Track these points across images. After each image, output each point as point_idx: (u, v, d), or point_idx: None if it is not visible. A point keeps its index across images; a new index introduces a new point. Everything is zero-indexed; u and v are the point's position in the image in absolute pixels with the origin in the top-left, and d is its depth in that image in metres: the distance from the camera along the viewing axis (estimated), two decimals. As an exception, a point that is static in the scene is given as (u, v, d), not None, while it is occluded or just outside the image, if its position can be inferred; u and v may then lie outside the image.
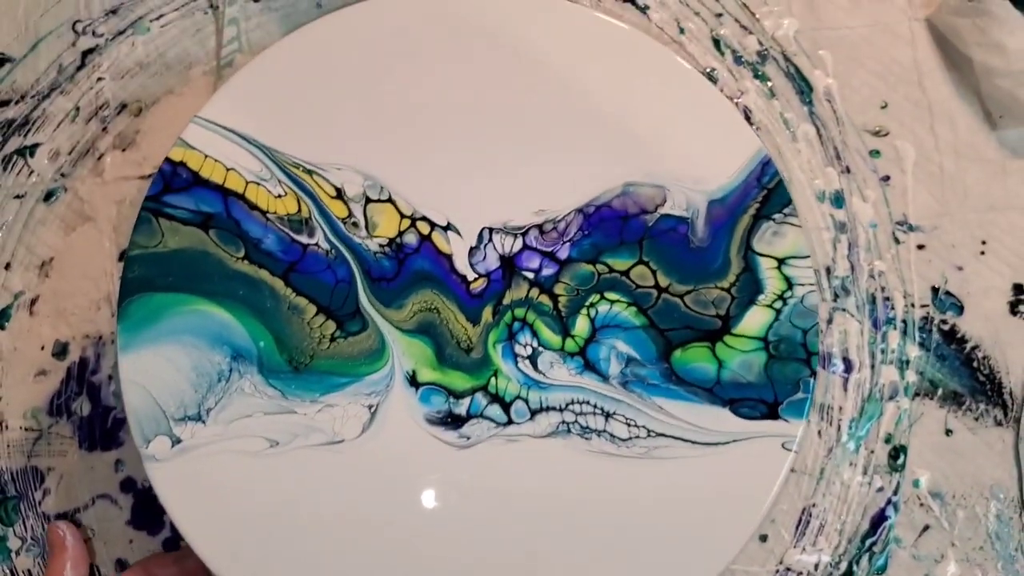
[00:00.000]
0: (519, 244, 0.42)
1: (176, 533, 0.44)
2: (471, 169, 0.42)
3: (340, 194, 0.42)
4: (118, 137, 0.47)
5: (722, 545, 0.39)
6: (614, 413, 0.41)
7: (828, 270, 0.45)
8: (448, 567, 0.39)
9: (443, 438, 0.40)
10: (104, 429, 0.45)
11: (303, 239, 0.41)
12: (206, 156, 0.41)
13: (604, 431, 0.40)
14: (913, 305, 0.45)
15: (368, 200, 0.42)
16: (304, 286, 0.41)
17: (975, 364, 0.44)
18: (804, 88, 0.47)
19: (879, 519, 0.43)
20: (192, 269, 0.40)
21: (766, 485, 0.40)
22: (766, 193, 0.43)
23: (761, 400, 0.41)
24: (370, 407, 0.40)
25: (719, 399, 0.41)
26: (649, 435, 0.40)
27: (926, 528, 0.43)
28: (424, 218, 0.42)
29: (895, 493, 0.43)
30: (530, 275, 0.42)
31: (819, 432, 0.43)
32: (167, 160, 0.41)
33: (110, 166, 0.47)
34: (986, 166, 0.45)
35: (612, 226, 0.42)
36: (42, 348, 0.45)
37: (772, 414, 0.40)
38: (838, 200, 0.45)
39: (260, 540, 0.39)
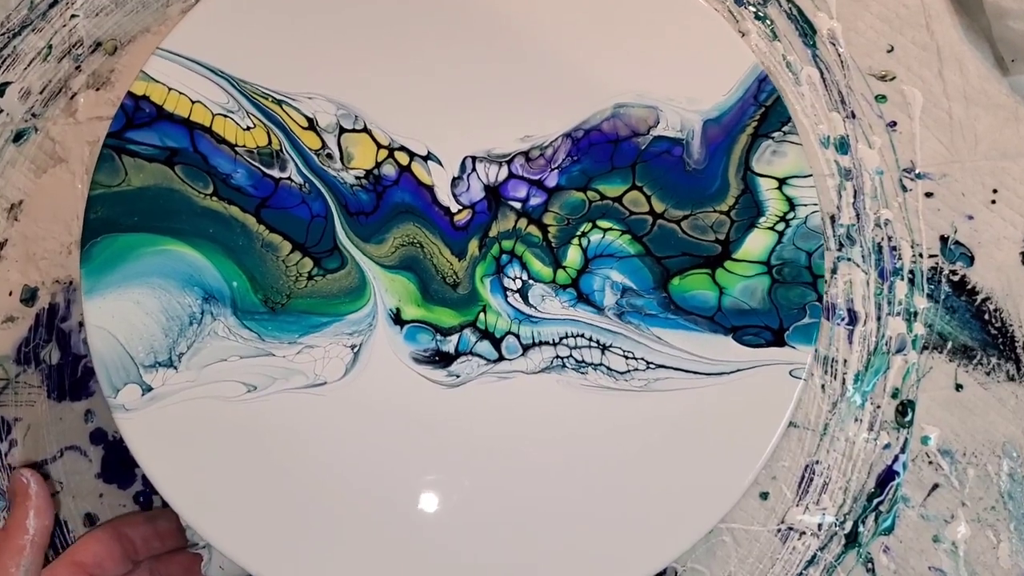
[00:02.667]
0: (504, 173, 0.40)
1: (148, 487, 0.42)
2: (451, 94, 0.40)
3: (312, 124, 0.39)
4: (92, 76, 0.45)
5: (729, 481, 0.37)
6: (610, 345, 0.38)
7: (833, 218, 0.43)
8: (439, 512, 0.37)
9: (431, 377, 0.38)
10: (74, 378, 0.43)
11: (275, 173, 0.39)
12: (170, 89, 0.39)
13: (601, 364, 0.38)
14: (921, 255, 0.43)
15: (342, 130, 0.39)
16: (278, 222, 0.39)
17: (986, 316, 0.42)
18: (807, 30, 0.45)
19: (886, 477, 0.41)
20: (158, 207, 0.38)
21: (775, 416, 0.38)
22: (764, 111, 0.40)
23: (766, 327, 0.38)
24: (353, 347, 0.38)
25: (721, 327, 0.38)
26: (648, 367, 0.38)
27: (935, 487, 0.41)
28: (403, 148, 0.40)
29: (903, 450, 0.41)
30: (517, 205, 0.40)
31: (823, 386, 0.41)
32: (129, 94, 0.39)
33: (83, 106, 0.45)
34: (997, 112, 0.44)
35: (602, 150, 0.40)
36: (10, 294, 0.43)
37: (778, 341, 0.38)
38: (843, 146, 0.43)
39: (239, 491, 0.36)
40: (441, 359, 0.38)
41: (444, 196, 0.39)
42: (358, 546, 0.36)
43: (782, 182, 0.40)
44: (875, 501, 0.41)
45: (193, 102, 0.39)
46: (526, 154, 0.40)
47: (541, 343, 0.38)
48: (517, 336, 0.38)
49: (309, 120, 0.39)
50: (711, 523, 0.37)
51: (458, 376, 0.38)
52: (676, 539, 0.36)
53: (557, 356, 0.38)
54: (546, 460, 0.37)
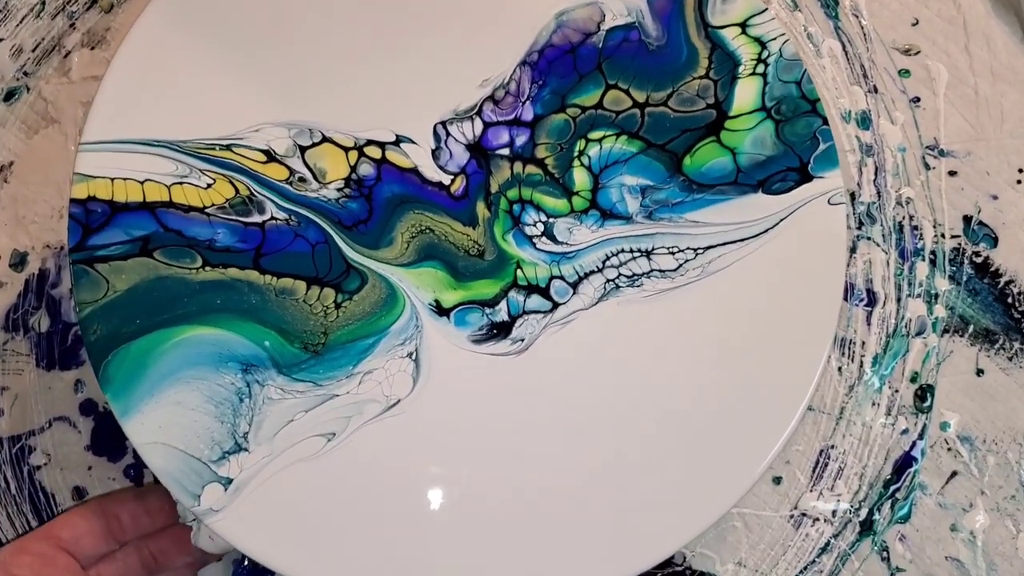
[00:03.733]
0: (479, 125, 0.38)
1: (139, 460, 0.40)
2: (395, 71, 0.38)
3: (271, 156, 0.37)
4: (87, 34, 0.43)
5: (819, 317, 0.36)
6: (653, 249, 0.37)
7: (853, 196, 0.41)
8: (547, 475, 0.35)
9: (497, 352, 0.36)
10: (64, 346, 0.41)
11: (255, 219, 0.36)
12: (112, 179, 0.36)
13: (652, 271, 0.37)
14: (943, 235, 0.41)
15: (303, 149, 0.37)
16: (281, 266, 0.36)
17: (1010, 300, 0.41)
18: (830, 1, 0.43)
19: (903, 464, 0.40)
20: (155, 301, 0.35)
21: (834, 246, 0.37)
22: (699, -36, 0.39)
23: (789, 168, 0.38)
24: (411, 355, 0.36)
25: (748, 186, 0.37)
26: (697, 253, 0.37)
27: (954, 474, 0.40)
28: (370, 142, 0.37)
29: (921, 436, 0.40)
30: (505, 151, 0.38)
31: (839, 369, 0.40)
32: (73, 201, 0.36)
33: (78, 65, 0.43)
34: None
35: (563, 64, 0.38)
36: None
37: (805, 177, 0.37)
38: (864, 121, 0.42)
39: (352, 539, 0.35)
40: (499, 331, 0.36)
41: (431, 172, 0.37)
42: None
43: (743, 26, 0.39)
44: (891, 488, 0.40)
45: (142, 183, 0.36)
46: (491, 97, 0.38)
47: (587, 274, 0.37)
48: (561, 277, 0.37)
49: (266, 153, 0.37)
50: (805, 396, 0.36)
51: (523, 340, 0.36)
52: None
53: (607, 280, 0.37)
54: (638, 384, 0.36)
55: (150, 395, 0.35)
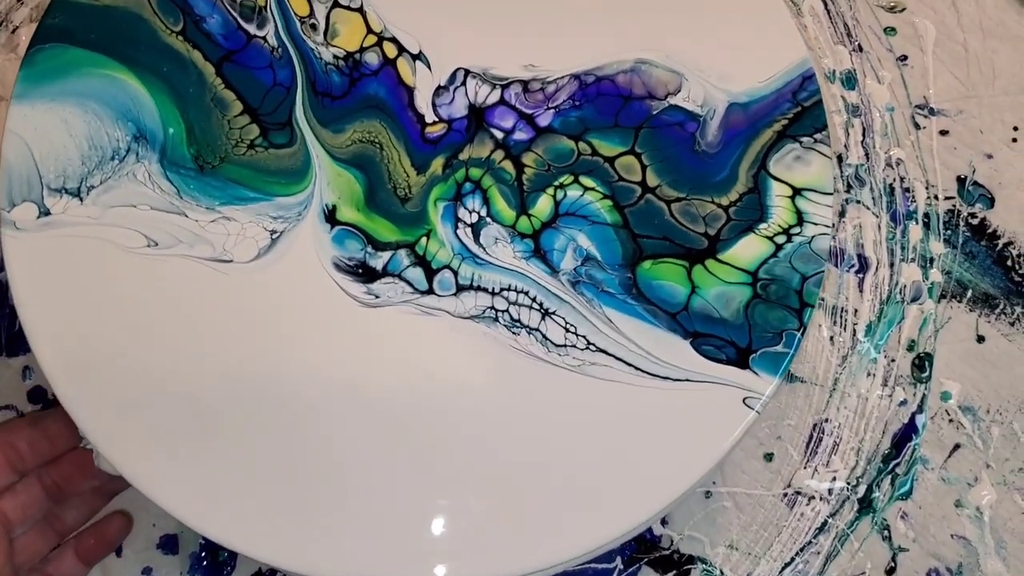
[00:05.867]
0: (496, 96, 0.36)
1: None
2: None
3: (307, -11, 0.36)
4: (35, 10, 0.43)
5: (647, 495, 0.32)
6: (553, 312, 0.34)
7: (840, 158, 0.39)
8: (323, 431, 0.32)
9: (348, 289, 0.34)
10: (11, 332, 0.40)
11: (251, 28, 0.35)
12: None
13: (537, 330, 0.34)
14: (937, 197, 0.40)
15: (336, 3, 0.36)
16: (236, 80, 0.35)
17: (1009, 262, 0.39)
18: None
19: (903, 437, 0.38)
20: (120, 31, 0.35)
21: (713, 443, 0.33)
22: (799, 110, 0.35)
23: (731, 342, 0.33)
24: (272, 232, 0.34)
25: (681, 328, 0.34)
26: (588, 347, 0.33)
27: (957, 447, 0.38)
28: (393, 39, 0.36)
29: (920, 408, 0.38)
30: (499, 135, 0.35)
31: (831, 338, 0.37)
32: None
33: (25, 41, 0.41)
34: (1017, 44, 0.41)
35: (610, 103, 0.36)
36: None
37: (741, 362, 0.33)
38: (850, 81, 0.40)
39: (114, 349, 0.33)
40: (364, 273, 0.34)
41: (422, 103, 0.35)
42: (229, 441, 0.32)
43: (797, 192, 0.35)
44: (891, 463, 0.38)
45: (191, -67, 0.36)
46: (526, 84, 0.36)
47: (478, 288, 0.34)
48: (455, 273, 0.34)
49: (305, -16, 0.36)
50: (611, 534, 0.32)
51: (377, 296, 0.34)
52: (564, 541, 0.32)
53: (492, 307, 0.34)
54: (451, 413, 0.33)
55: (51, 99, 0.34)
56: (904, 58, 0.40)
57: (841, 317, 0.37)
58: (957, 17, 0.41)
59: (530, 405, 0.33)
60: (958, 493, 0.37)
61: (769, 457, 0.36)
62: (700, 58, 0.36)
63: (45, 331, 0.33)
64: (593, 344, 0.33)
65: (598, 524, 0.32)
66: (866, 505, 0.37)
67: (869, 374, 0.37)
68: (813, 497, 0.36)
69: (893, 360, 0.38)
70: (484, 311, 0.34)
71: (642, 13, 0.36)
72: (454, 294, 0.34)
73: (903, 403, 0.38)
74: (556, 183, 0.35)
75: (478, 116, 0.35)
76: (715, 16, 0.36)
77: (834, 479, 0.36)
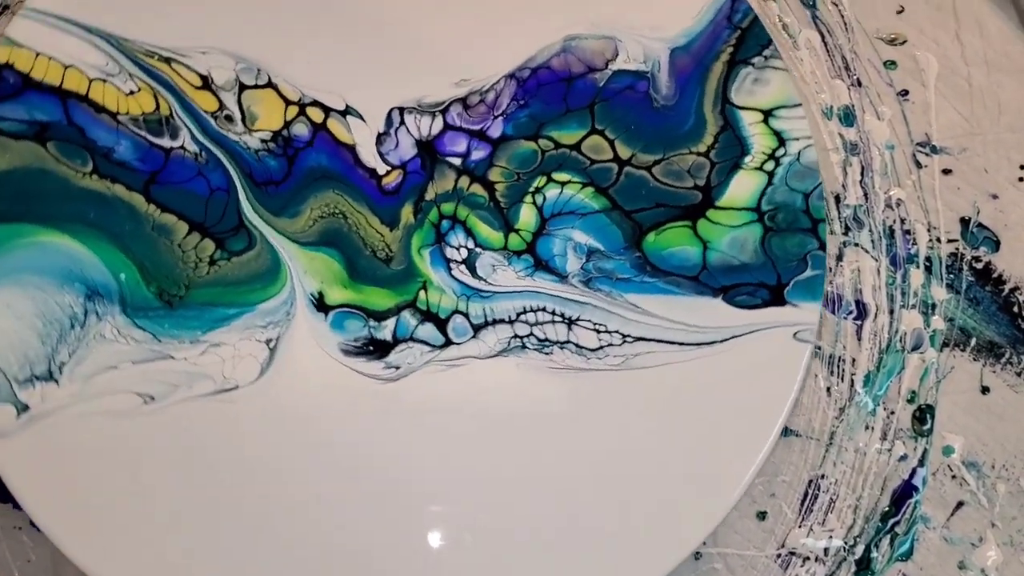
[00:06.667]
0: (439, 124, 0.34)
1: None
2: (370, 36, 0.34)
3: (207, 83, 0.33)
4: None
5: (729, 469, 0.31)
6: (578, 318, 0.32)
7: (837, 198, 0.38)
8: (377, 534, 0.30)
9: (365, 371, 0.32)
10: None
11: (164, 143, 0.33)
12: (38, 54, 0.33)
13: (568, 342, 0.32)
14: (939, 239, 0.38)
15: (243, 87, 0.33)
16: (170, 200, 0.32)
17: (1015, 308, 0.37)
18: None
19: (903, 494, 0.36)
20: (29, 192, 0.32)
21: (781, 388, 0.31)
22: (740, 33, 0.34)
23: (761, 284, 0.32)
24: (268, 342, 0.32)
25: (708, 288, 0.32)
26: (625, 341, 0.32)
27: (960, 505, 0.36)
28: (316, 103, 0.33)
29: (921, 463, 0.36)
30: (456, 161, 0.34)
31: (828, 389, 0.36)
32: (-13, 62, 0.33)
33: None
34: (1023, 78, 0.39)
35: (554, 91, 0.34)
36: None
37: (777, 299, 0.32)
38: (848, 117, 0.39)
39: (140, 520, 0.30)
40: (376, 349, 0.32)
41: (368, 156, 0.33)
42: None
43: (767, 114, 0.34)
44: (890, 522, 0.36)
45: (66, 67, 0.33)
46: (464, 100, 0.34)
47: (495, 322, 0.32)
48: (466, 315, 0.32)
49: (203, 78, 0.33)
50: (706, 530, 0.30)
51: (398, 368, 0.32)
52: (665, 553, 0.30)
53: (515, 335, 0.32)
54: (509, 459, 0.31)
55: (-18, 287, 0.31)
56: (905, 93, 0.39)
57: (838, 367, 0.36)
58: (961, 50, 0.39)
59: (597, 418, 0.31)
60: (961, 554, 0.36)
61: (762, 515, 0.35)
62: (626, 16, 0.34)
63: (59, 522, 0.30)
64: (629, 335, 0.32)
65: (717, 506, 0.31)
66: (864, 566, 0.36)
67: (867, 427, 0.36)
68: (808, 558, 0.35)
69: (893, 412, 0.36)
70: (509, 342, 0.32)
71: (552, -9, 0.35)
72: (473, 336, 0.32)
73: (903, 458, 0.36)
74: (531, 189, 0.33)
75: (429, 150, 0.33)
76: (625, -32, 0.35)
77: (830, 538, 0.35)
